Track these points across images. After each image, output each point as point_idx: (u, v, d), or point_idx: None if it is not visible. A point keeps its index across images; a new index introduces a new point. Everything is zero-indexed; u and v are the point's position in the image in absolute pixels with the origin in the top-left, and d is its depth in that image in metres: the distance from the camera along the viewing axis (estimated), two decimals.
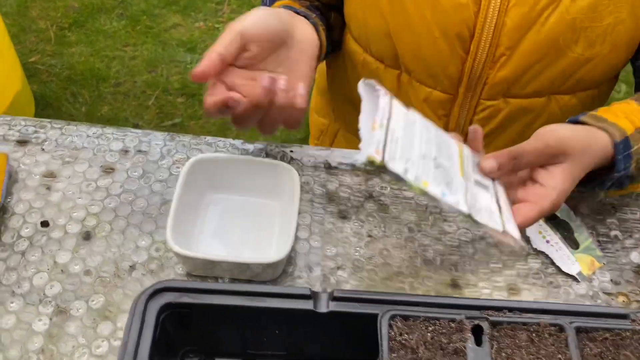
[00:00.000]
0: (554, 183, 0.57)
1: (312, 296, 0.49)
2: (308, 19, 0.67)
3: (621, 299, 0.62)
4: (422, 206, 0.68)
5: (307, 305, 0.48)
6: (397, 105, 0.56)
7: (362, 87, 0.55)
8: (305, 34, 0.64)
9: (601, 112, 0.62)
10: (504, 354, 0.46)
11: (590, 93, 0.73)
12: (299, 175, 0.64)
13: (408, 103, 0.74)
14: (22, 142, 0.70)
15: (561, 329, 0.48)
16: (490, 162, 0.57)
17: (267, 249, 0.63)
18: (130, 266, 0.61)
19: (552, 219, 0.67)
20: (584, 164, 0.58)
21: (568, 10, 0.63)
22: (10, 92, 1.64)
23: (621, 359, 0.47)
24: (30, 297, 0.58)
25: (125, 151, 0.70)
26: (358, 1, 0.72)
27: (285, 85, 0.58)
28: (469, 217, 0.52)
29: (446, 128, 0.74)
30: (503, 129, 0.74)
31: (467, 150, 0.59)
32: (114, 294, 0.59)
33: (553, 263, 0.64)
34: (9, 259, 0.60)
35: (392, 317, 0.48)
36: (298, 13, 0.67)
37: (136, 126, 1.90)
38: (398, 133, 0.53)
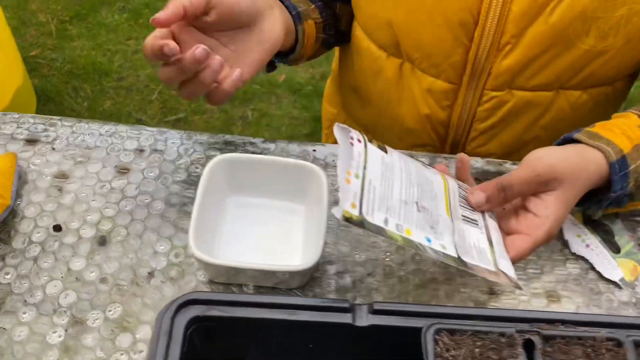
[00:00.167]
0: (547, 212, 0.54)
1: (351, 309, 0.45)
2: (291, 10, 0.65)
3: None
4: None
5: (345, 318, 0.45)
6: (373, 149, 0.52)
7: (336, 131, 0.51)
8: (273, 28, 0.60)
9: (598, 127, 0.59)
10: None
11: (603, 90, 0.69)
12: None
13: (411, 94, 0.72)
14: (31, 141, 0.66)
15: (619, 343, 0.44)
16: (478, 195, 0.54)
17: (293, 254, 0.59)
18: (149, 273, 0.57)
19: (592, 222, 0.64)
20: (578, 189, 0.55)
21: None
22: (11, 87, 1.60)
23: None
24: (43, 307, 0.54)
25: (140, 150, 0.66)
26: None
27: (217, 66, 0.54)
28: (456, 260, 0.49)
29: (450, 120, 0.72)
30: (508, 123, 0.71)
31: (453, 183, 0.56)
32: (132, 303, 0.55)
33: (593, 268, 0.61)
34: (20, 265, 0.57)
35: (438, 332, 0.44)
36: (284, 2, 0.64)
37: (139, 121, 1.86)
38: (375, 181, 0.49)
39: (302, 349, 0.48)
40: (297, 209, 0.62)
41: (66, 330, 0.53)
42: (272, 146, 0.68)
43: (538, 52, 0.64)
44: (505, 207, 0.56)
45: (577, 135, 0.58)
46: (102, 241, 0.59)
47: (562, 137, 0.60)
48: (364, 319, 0.45)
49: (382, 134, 0.80)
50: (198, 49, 0.53)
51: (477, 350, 0.44)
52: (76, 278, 0.56)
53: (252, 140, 0.68)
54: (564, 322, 0.45)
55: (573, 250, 0.62)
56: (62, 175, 0.63)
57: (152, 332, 0.43)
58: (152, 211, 0.61)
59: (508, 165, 0.68)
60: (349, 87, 0.83)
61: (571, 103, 0.69)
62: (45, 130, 0.67)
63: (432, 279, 0.59)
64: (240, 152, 0.67)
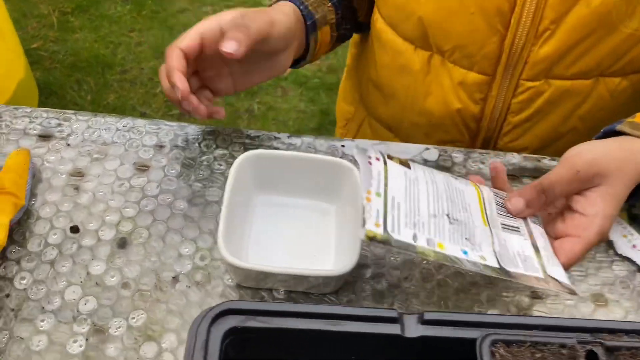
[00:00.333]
0: (595, 210, 0.50)
1: (399, 319, 0.42)
2: (307, 20, 0.63)
3: None
4: None
5: (393, 329, 0.42)
6: (394, 166, 0.49)
7: (356, 154, 0.49)
8: (287, 61, 0.62)
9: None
10: None
11: None
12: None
13: (440, 88, 0.68)
14: (45, 137, 0.62)
15: None
16: (516, 201, 0.51)
17: (325, 257, 0.56)
18: (173, 277, 0.54)
19: (638, 221, 0.61)
20: (625, 182, 0.52)
21: None
22: (13, 80, 1.56)
23: None
24: (62, 314, 0.51)
25: (160, 146, 0.63)
26: None
27: (191, 105, 0.55)
28: (498, 270, 0.45)
29: (482, 114, 0.68)
30: (545, 114, 0.68)
31: (487, 192, 0.52)
32: (156, 310, 0.52)
33: None
34: (37, 270, 0.53)
35: (494, 343, 0.41)
36: (302, 12, 0.63)
37: (143, 115, 1.82)
38: (399, 198, 0.46)
39: None
40: (327, 208, 0.58)
41: (87, 340, 0.50)
42: (298, 141, 0.64)
43: (578, 38, 0.60)
44: (550, 211, 0.53)
45: (619, 127, 0.55)
46: (123, 243, 0.55)
47: (602, 130, 0.57)
48: (414, 330, 0.42)
49: (407, 131, 0.76)
50: (191, 107, 0.55)
51: None
52: (96, 283, 0.53)
53: (277, 135, 0.65)
54: (627, 331, 0.42)
55: (619, 252, 0.59)
56: (78, 173, 0.60)
57: (187, 344, 0.40)
58: (175, 211, 0.58)
59: (546, 161, 0.65)
60: (369, 83, 0.79)
61: (610, 90, 0.66)
62: (59, 125, 0.63)
63: (472, 282, 0.55)
64: (265, 148, 0.63)
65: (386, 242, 0.43)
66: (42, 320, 0.50)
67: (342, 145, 0.64)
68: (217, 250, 0.55)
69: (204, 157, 0.62)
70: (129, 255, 0.55)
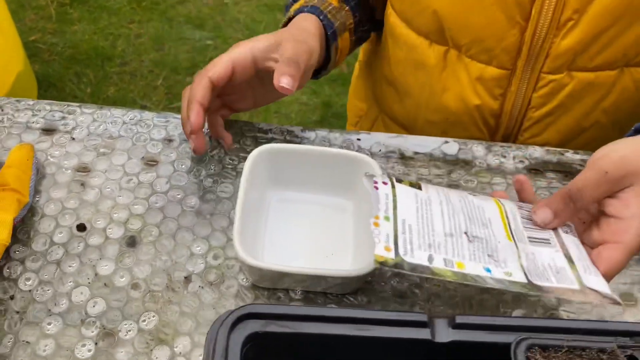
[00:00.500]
0: (631, 211, 0.47)
1: (429, 323, 0.40)
2: (327, 29, 0.61)
3: None
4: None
5: (423, 334, 0.39)
6: (403, 188, 0.47)
7: (365, 182, 0.47)
8: (303, 83, 0.59)
9: None
10: None
11: None
12: None
13: (457, 83, 0.66)
14: (48, 131, 0.60)
15: None
16: (542, 212, 0.48)
17: (343, 256, 0.53)
18: (185, 277, 0.51)
19: None
20: None
21: None
22: (12, 73, 1.53)
23: None
24: (70, 317, 0.48)
25: (169, 140, 0.60)
26: None
27: (196, 141, 0.55)
28: (526, 286, 0.43)
29: (502, 110, 0.65)
30: (567, 108, 0.65)
31: (511, 205, 0.49)
32: (168, 312, 0.50)
33: None
34: (42, 270, 0.51)
35: (529, 348, 0.39)
36: (322, 21, 0.61)
37: (144, 108, 1.79)
38: (410, 220, 0.44)
39: None
40: (344, 204, 0.56)
41: (96, 344, 0.47)
42: (312, 135, 0.62)
43: (603, 27, 0.58)
44: (584, 219, 0.50)
45: None
46: (132, 242, 0.53)
47: (633, 128, 0.54)
48: (444, 334, 0.40)
49: (423, 129, 0.74)
50: (196, 143, 0.54)
51: None
52: (104, 284, 0.50)
53: (290, 128, 0.62)
54: None
55: None
56: (84, 169, 0.57)
57: (205, 350, 0.38)
58: (186, 208, 0.55)
59: (569, 154, 0.62)
60: (383, 79, 0.76)
61: (636, 81, 0.63)
62: (64, 118, 0.61)
63: None
64: (277, 142, 0.61)
65: (398, 266, 0.41)
66: (49, 324, 0.48)
67: (358, 139, 0.62)
68: (230, 249, 0.53)
69: (214, 151, 0.59)
70: (139, 254, 0.52)
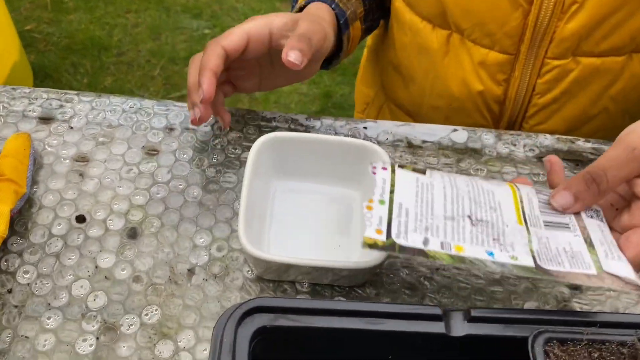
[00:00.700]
0: None
1: (444, 316, 0.38)
2: (339, 18, 0.59)
3: None
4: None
5: (437, 327, 0.38)
6: (404, 173, 0.45)
7: (370, 170, 0.45)
8: (317, 68, 0.58)
9: None
10: None
11: None
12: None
13: (460, 68, 0.64)
14: (45, 119, 0.58)
15: None
16: (562, 196, 0.44)
17: (350, 247, 0.52)
18: (189, 270, 0.50)
19: None
20: None
21: None
22: (7, 64, 1.51)
23: None
24: (70, 311, 0.47)
25: (170, 129, 0.58)
26: None
27: (204, 111, 0.53)
28: (533, 270, 0.40)
29: (506, 96, 0.64)
30: (572, 95, 0.64)
31: (527, 190, 0.47)
32: (171, 305, 0.48)
33: None
34: (41, 263, 0.49)
35: (547, 341, 0.37)
36: (334, 10, 0.59)
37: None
38: (408, 204, 0.42)
39: None
40: (351, 195, 0.54)
41: (98, 338, 0.46)
42: (317, 123, 0.60)
43: (610, 10, 0.56)
44: (616, 204, 0.46)
45: None
46: (133, 233, 0.51)
47: None
48: (459, 328, 0.38)
49: (427, 115, 0.72)
50: (202, 112, 0.52)
51: None
52: (105, 277, 0.49)
53: (294, 116, 0.61)
54: None
55: None
56: (83, 158, 0.56)
57: (211, 345, 0.36)
58: (188, 198, 0.54)
59: (581, 142, 0.61)
60: (389, 64, 0.75)
61: None
62: (61, 106, 0.59)
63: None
64: (281, 130, 0.59)
65: (389, 248, 0.39)
66: (49, 318, 0.46)
67: (365, 127, 0.60)
68: (234, 240, 0.52)
69: (217, 141, 0.58)
70: (140, 246, 0.51)
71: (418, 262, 0.52)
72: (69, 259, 0.50)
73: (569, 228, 0.45)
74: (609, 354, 0.38)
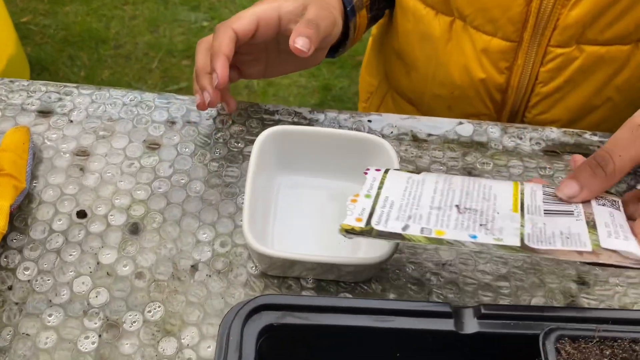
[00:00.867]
0: None
1: (454, 313, 0.38)
2: (346, 5, 0.58)
3: None
4: None
5: (447, 325, 0.37)
6: (397, 173, 0.45)
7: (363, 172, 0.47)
8: (323, 55, 0.57)
9: None
10: None
11: None
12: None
13: (462, 55, 0.64)
14: (44, 113, 0.57)
15: None
16: (567, 186, 0.42)
17: (355, 243, 0.51)
18: (192, 266, 0.49)
19: None
20: None
21: None
22: (3, 56, 1.49)
23: None
24: (71, 308, 0.46)
25: (171, 122, 0.57)
26: None
27: (215, 96, 0.52)
28: (517, 249, 0.39)
29: (508, 85, 0.63)
30: (576, 84, 0.63)
31: (533, 185, 0.45)
32: (174, 302, 0.47)
33: None
34: (41, 259, 0.48)
35: (559, 338, 0.37)
36: None
37: None
38: (394, 197, 0.42)
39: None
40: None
41: (100, 336, 0.45)
42: (321, 117, 0.59)
43: None
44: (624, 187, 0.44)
45: None
46: (135, 229, 0.51)
47: None
48: (469, 325, 0.38)
49: (429, 103, 0.71)
50: (213, 97, 0.52)
51: None
52: (107, 273, 0.48)
53: (297, 109, 0.60)
54: None
55: None
56: (83, 152, 0.55)
57: (217, 343, 0.36)
58: (191, 193, 0.53)
59: (588, 135, 0.60)
60: (392, 53, 0.74)
61: None
62: (60, 99, 0.58)
63: (515, 266, 0.51)
64: (285, 124, 0.58)
65: (365, 233, 0.39)
66: (50, 315, 0.46)
67: (369, 120, 0.59)
68: (238, 236, 0.51)
69: (219, 134, 0.57)
70: (142, 242, 0.50)
71: (424, 258, 0.51)
72: (70, 255, 0.49)
73: (573, 215, 0.42)
74: (620, 351, 0.37)
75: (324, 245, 0.51)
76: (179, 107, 0.58)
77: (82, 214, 0.51)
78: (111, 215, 0.51)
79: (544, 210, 0.42)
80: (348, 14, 0.58)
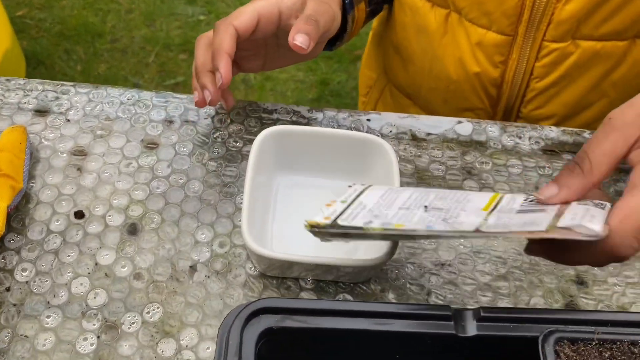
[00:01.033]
0: None
1: (454, 316, 0.38)
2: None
3: None
4: (532, 185, 0.56)
5: (447, 328, 0.37)
6: (380, 187, 0.45)
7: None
8: (320, 49, 0.57)
9: None
10: None
11: None
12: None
13: (457, 49, 0.64)
14: (41, 112, 0.57)
15: None
16: (547, 187, 0.41)
17: (353, 244, 0.51)
18: (191, 267, 0.49)
19: None
20: None
21: None
22: None
23: None
24: (70, 310, 0.46)
25: (169, 121, 0.57)
26: None
27: (217, 95, 0.52)
28: (467, 234, 0.38)
29: (503, 79, 0.63)
30: (572, 80, 0.63)
31: (514, 195, 0.43)
32: (173, 303, 0.47)
33: None
34: (39, 260, 0.48)
35: (558, 341, 0.37)
36: None
37: (136, 86, 1.75)
38: (368, 202, 0.42)
39: None
40: None
41: (99, 337, 0.45)
42: (319, 115, 0.59)
43: None
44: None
45: None
46: (133, 229, 0.50)
47: None
48: (469, 328, 0.38)
49: (425, 97, 0.72)
50: (215, 96, 0.51)
51: None
52: (105, 274, 0.48)
53: (296, 108, 0.59)
54: None
55: None
56: (81, 152, 0.55)
57: (217, 346, 0.36)
58: (189, 193, 0.53)
59: (587, 134, 0.60)
60: (390, 47, 0.74)
61: None
62: (57, 98, 0.58)
63: (514, 266, 0.51)
64: (283, 123, 0.58)
65: (328, 227, 0.40)
66: (48, 317, 0.46)
67: (368, 120, 0.59)
68: (236, 236, 0.51)
69: (217, 134, 0.57)
70: (141, 242, 0.50)
71: (423, 258, 0.51)
72: (68, 255, 0.49)
73: (545, 211, 0.40)
74: (620, 354, 0.37)
75: (323, 245, 0.51)
76: (177, 106, 0.58)
77: (80, 215, 0.51)
78: (109, 216, 0.51)
79: (517, 210, 0.41)
80: (347, 7, 0.58)
